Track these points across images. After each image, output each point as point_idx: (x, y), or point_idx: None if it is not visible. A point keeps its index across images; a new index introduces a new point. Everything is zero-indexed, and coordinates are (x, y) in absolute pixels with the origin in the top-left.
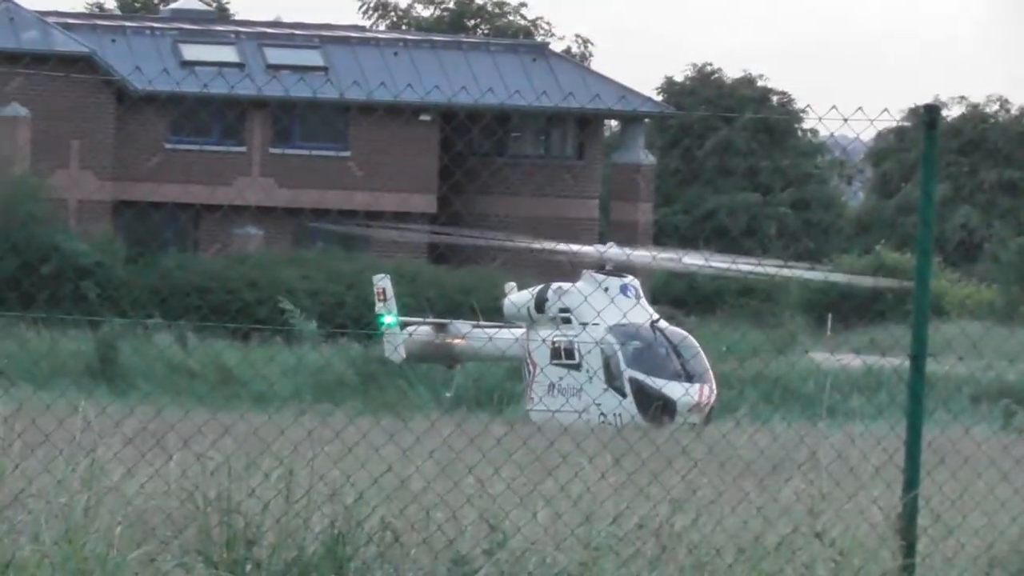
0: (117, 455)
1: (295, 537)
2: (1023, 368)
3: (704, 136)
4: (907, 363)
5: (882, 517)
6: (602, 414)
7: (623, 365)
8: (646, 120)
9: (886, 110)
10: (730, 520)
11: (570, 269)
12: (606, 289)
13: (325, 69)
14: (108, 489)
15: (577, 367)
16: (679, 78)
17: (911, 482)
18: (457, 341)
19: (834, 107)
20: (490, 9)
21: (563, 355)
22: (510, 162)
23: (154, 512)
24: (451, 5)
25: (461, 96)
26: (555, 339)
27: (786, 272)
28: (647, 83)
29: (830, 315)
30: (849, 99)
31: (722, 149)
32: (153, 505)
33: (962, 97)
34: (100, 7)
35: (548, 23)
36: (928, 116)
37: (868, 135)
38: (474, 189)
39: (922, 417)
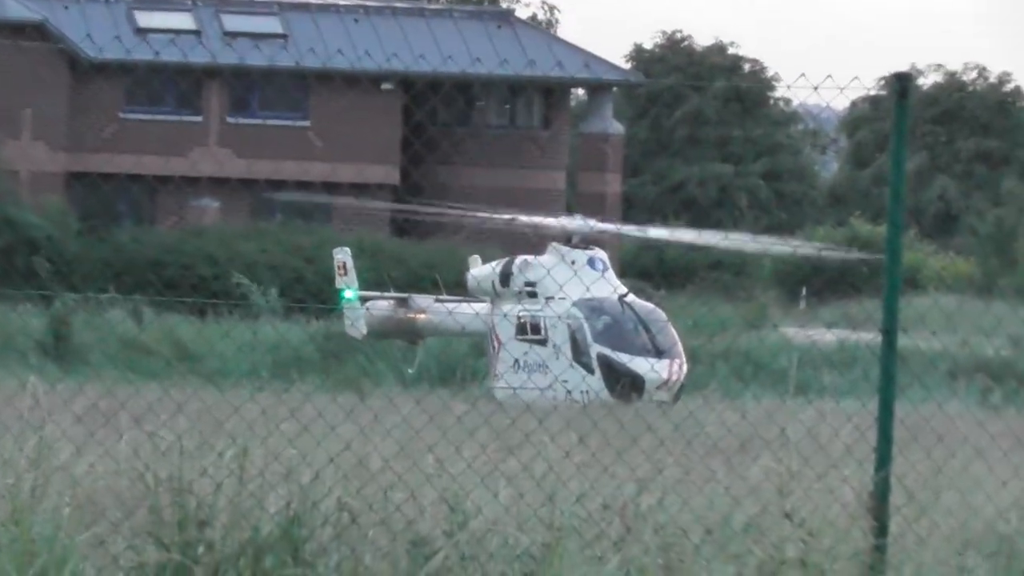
0: (66, 434)
1: (249, 518)
2: (999, 343)
3: (674, 105)
4: (880, 337)
5: (853, 496)
6: (568, 391)
7: (590, 340)
8: (614, 89)
9: (856, 78)
10: (697, 500)
11: (536, 242)
12: (572, 262)
13: (284, 36)
14: (56, 469)
15: (542, 342)
16: (648, 45)
17: (883, 460)
18: (419, 316)
19: (803, 75)
20: None
21: (528, 330)
22: (473, 132)
23: (104, 493)
24: None
25: (422, 64)
26: (520, 314)
27: (757, 246)
28: (615, 51)
29: (803, 289)
30: (825, 67)
31: (692, 118)
32: (103, 485)
33: (939, 65)
34: None
35: None
36: (899, 85)
37: (841, 104)
38: (436, 160)
39: (894, 393)
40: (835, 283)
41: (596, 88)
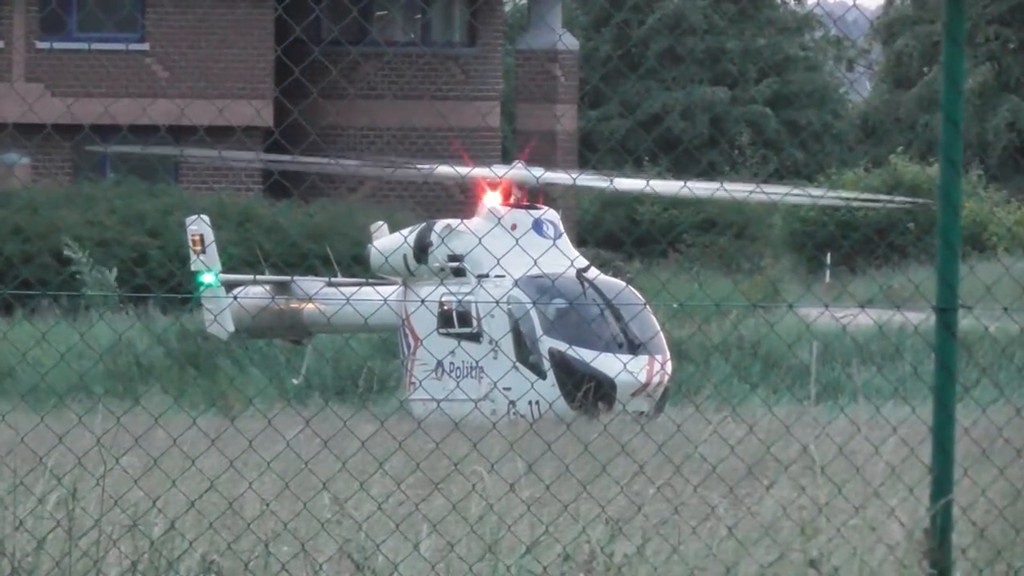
0: None
1: None
2: None
3: (646, 9)
4: (933, 319)
5: (903, 535)
6: (511, 402)
7: (539, 333)
8: None
9: None
10: (691, 545)
11: (463, 200)
12: (513, 226)
13: None
14: None
15: (475, 337)
16: None
17: (942, 485)
18: (304, 306)
19: None
20: None
21: (455, 321)
22: (373, 53)
23: None
24: None
25: None
26: (443, 298)
27: (763, 197)
28: None
29: (828, 255)
30: None
31: (671, 26)
32: None
33: None
34: None
35: None
36: None
37: (874, 1)
38: (323, 93)
39: (955, 393)
40: (870, 246)
41: None
